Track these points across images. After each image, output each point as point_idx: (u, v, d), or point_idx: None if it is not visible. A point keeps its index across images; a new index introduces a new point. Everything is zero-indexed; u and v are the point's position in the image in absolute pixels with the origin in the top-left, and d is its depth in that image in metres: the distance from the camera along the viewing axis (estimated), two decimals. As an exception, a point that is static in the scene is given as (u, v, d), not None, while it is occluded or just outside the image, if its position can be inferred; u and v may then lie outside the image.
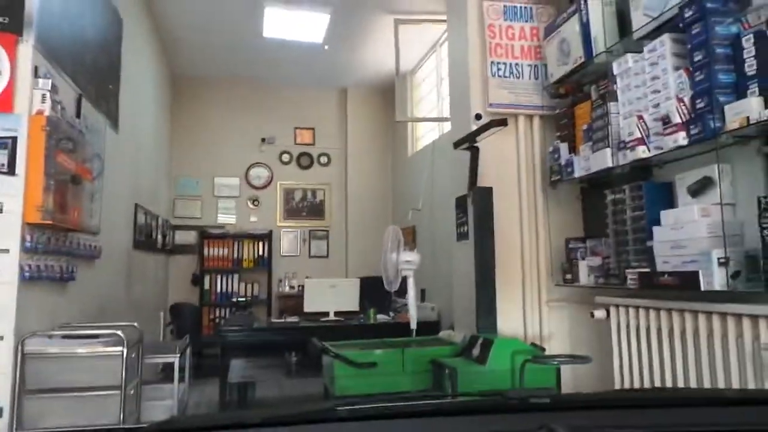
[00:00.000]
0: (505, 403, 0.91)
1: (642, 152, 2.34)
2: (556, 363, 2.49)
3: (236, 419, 0.83)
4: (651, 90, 2.34)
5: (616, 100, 2.57)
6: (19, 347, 2.26)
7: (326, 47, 5.73)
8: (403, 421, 0.87)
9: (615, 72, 2.56)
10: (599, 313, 2.72)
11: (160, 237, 5.80)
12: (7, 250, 2.25)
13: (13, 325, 2.25)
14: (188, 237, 6.70)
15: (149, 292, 5.34)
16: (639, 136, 2.36)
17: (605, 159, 2.58)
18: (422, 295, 5.41)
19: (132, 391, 2.53)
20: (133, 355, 2.54)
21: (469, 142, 3.10)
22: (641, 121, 2.36)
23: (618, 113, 2.56)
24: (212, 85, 6.92)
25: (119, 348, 2.37)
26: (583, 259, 2.94)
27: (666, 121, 2.21)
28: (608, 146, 2.58)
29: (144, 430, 0.82)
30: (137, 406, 2.69)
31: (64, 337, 2.45)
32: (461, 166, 3.32)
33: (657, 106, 2.30)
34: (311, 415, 0.87)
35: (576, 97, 3.06)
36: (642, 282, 2.35)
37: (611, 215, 2.65)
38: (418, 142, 6.55)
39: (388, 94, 7.13)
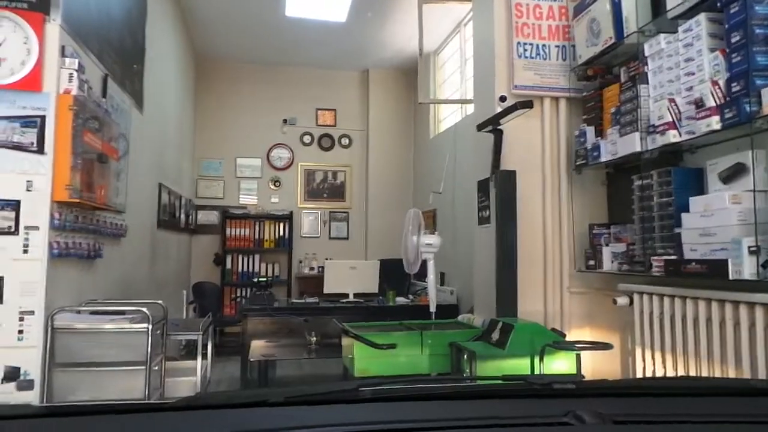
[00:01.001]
0: (529, 388, 0.91)
1: (673, 137, 2.28)
2: (576, 349, 2.47)
3: (260, 397, 0.85)
4: (684, 72, 2.27)
5: (647, 82, 2.50)
6: (49, 322, 2.32)
7: (369, 15, 5.60)
8: (427, 403, 0.87)
9: (646, 53, 2.49)
10: (622, 300, 2.68)
11: (183, 216, 5.88)
12: (36, 228, 2.30)
13: (43, 300, 2.31)
14: (211, 217, 6.78)
15: (172, 270, 5.43)
16: (670, 120, 2.30)
17: (633, 143, 2.52)
18: (441, 279, 5.41)
19: (156, 367, 2.59)
20: (158, 332, 2.59)
21: (492, 125, 3.06)
22: (673, 104, 2.29)
23: (648, 96, 2.49)
24: (235, 65, 6.93)
25: (145, 325, 2.42)
26: (607, 245, 2.90)
27: (699, 104, 2.14)
28: (637, 130, 2.51)
29: (172, 405, 0.83)
30: (161, 382, 2.75)
31: (92, 313, 2.51)
32: (484, 149, 3.28)
33: (690, 89, 2.23)
34: (334, 395, 0.87)
35: (604, 79, 2.98)
36: (668, 269, 2.30)
37: (638, 201, 2.59)
38: (441, 124, 6.49)
39: (411, 75, 7.06)
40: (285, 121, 7.01)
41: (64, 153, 2.34)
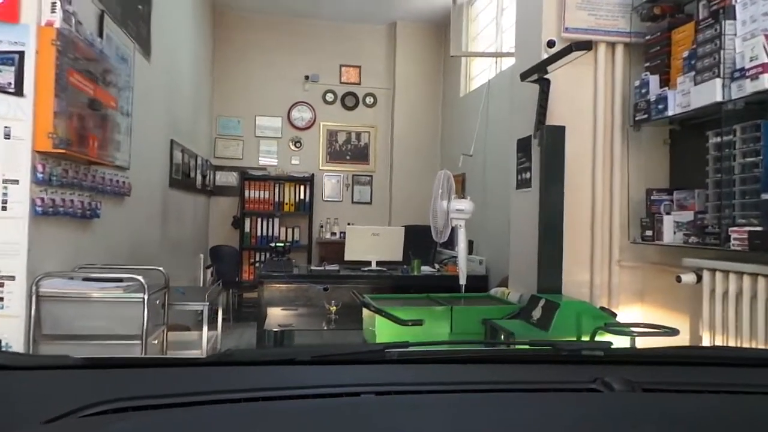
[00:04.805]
0: (557, 354, 0.91)
1: (769, 81, 1.87)
2: (635, 334, 2.13)
3: (288, 355, 0.86)
4: (791, -1, 1.84)
5: (734, 17, 2.07)
6: (33, 288, 2.06)
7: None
8: (453, 366, 0.86)
9: (737, -20, 2.05)
10: (688, 278, 2.31)
11: (199, 177, 5.62)
12: (16, 181, 2.03)
13: (25, 263, 2.04)
14: (229, 178, 6.53)
15: (188, 233, 5.21)
16: (765, 60, 1.88)
17: (714, 92, 2.10)
18: (470, 248, 5.08)
19: (156, 341, 2.34)
20: (158, 302, 2.33)
21: (539, 73, 2.65)
22: (771, 41, 1.87)
23: (735, 34, 2.06)
24: (255, 17, 6.54)
25: (140, 294, 2.15)
26: (669, 213, 2.52)
27: (810, 39, 1.72)
28: (719, 76, 2.09)
29: (203, 361, 0.88)
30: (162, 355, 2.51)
31: (85, 279, 2.25)
32: (521, 106, 2.91)
33: (796, 20, 1.80)
34: (361, 356, 0.89)
35: (674, 19, 2.54)
36: (752, 243, 1.93)
37: (713, 161, 2.19)
38: (472, 82, 6.03)
39: (441, 29, 6.58)
40: (307, 77, 6.63)
41: (47, 96, 2.04)
